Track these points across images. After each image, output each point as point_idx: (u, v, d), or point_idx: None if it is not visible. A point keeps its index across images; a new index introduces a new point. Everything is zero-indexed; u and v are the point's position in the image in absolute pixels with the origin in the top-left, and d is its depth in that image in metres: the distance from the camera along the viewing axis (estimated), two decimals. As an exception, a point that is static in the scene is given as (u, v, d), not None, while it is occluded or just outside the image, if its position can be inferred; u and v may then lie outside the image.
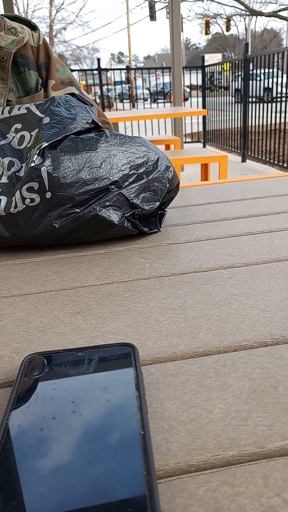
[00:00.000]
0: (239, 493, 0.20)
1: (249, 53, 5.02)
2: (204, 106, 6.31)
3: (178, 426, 0.24)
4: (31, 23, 0.93)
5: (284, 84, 4.14)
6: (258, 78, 4.79)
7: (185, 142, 6.53)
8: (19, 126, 0.53)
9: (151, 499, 0.18)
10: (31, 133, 0.51)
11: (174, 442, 0.23)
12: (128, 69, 9.69)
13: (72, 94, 0.55)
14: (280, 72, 4.09)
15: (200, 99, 6.52)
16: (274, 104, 4.46)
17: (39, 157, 0.48)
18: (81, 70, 6.97)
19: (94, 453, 0.20)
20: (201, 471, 0.21)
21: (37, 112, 0.52)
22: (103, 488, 0.18)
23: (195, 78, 7.03)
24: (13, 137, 0.52)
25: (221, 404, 0.25)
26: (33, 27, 0.93)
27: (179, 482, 0.21)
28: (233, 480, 0.21)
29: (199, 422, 0.24)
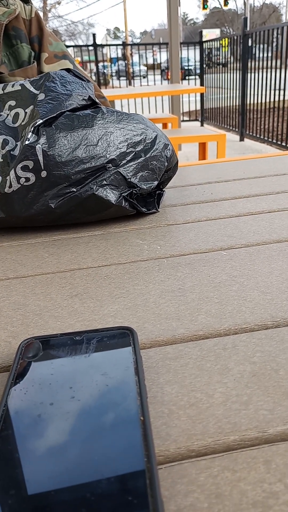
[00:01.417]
0: (241, 478, 0.20)
1: (248, 28, 4.89)
2: (202, 83, 6.20)
3: (178, 411, 0.23)
4: None
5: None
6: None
7: (183, 120, 6.43)
8: (13, 103, 0.51)
9: (151, 485, 0.18)
10: (26, 110, 0.49)
11: (174, 427, 0.22)
12: (124, 45, 9.44)
13: (68, 70, 0.53)
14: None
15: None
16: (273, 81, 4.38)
17: (33, 135, 0.46)
18: (76, 46, 6.80)
19: (93, 439, 0.20)
20: (202, 457, 0.21)
21: (32, 89, 0.50)
22: (103, 475, 0.18)
23: (192, 54, 6.87)
24: (7, 114, 0.50)
25: (222, 388, 0.25)
26: (26, 1, 0.91)
27: (180, 467, 0.20)
28: (234, 466, 0.20)
29: (199, 407, 0.24)
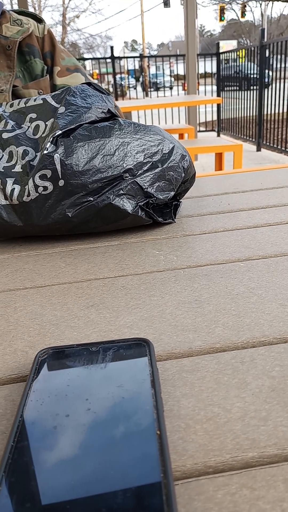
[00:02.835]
0: (260, 497, 0.19)
1: (265, 39, 4.90)
2: (218, 94, 6.22)
3: (195, 425, 0.23)
4: (37, 17, 0.98)
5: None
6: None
7: (199, 131, 6.44)
8: (34, 116, 0.52)
9: (168, 502, 0.17)
10: (46, 123, 0.50)
11: (191, 442, 0.22)
12: (141, 57, 9.57)
13: (89, 83, 0.54)
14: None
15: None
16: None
17: (52, 145, 0.47)
18: (94, 58, 6.91)
19: (108, 453, 0.20)
20: (220, 473, 0.20)
21: (53, 102, 0.51)
22: (118, 491, 0.18)
23: (209, 65, 6.90)
24: (28, 126, 0.51)
25: (240, 402, 0.24)
26: (39, 20, 0.98)
27: (197, 484, 0.20)
28: (253, 484, 0.20)
29: (216, 422, 0.23)
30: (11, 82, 0.89)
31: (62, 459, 0.19)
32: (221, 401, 0.25)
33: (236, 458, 0.21)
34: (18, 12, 0.96)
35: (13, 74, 0.89)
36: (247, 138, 5.56)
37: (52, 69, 0.97)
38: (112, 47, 6.26)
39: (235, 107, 5.85)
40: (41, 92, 0.93)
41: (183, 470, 0.21)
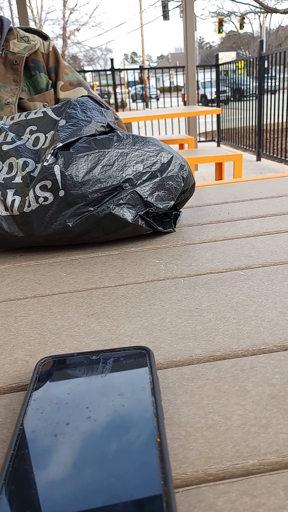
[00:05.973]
0: (260, 504, 0.19)
1: (264, 50, 4.95)
2: (218, 105, 6.27)
3: (195, 433, 0.23)
4: (42, 34, 1.02)
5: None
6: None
7: (199, 141, 6.49)
8: (34, 128, 0.53)
9: (168, 509, 0.17)
10: (46, 135, 0.51)
11: (191, 450, 0.22)
12: (141, 69, 9.71)
13: (89, 97, 0.55)
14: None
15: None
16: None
17: (52, 157, 0.47)
18: (94, 70, 6.99)
19: (109, 460, 0.20)
20: (220, 481, 0.20)
21: (53, 115, 0.52)
22: (119, 498, 0.18)
23: (209, 76, 6.96)
24: (28, 138, 0.52)
25: (240, 410, 0.25)
26: (45, 37, 1.01)
27: (197, 491, 0.20)
28: (254, 491, 0.20)
29: (217, 429, 0.23)
30: (17, 95, 0.93)
31: (63, 467, 0.19)
32: (221, 408, 0.25)
33: (237, 465, 0.21)
34: (25, 29, 1.00)
35: (19, 87, 0.93)
36: (247, 148, 5.59)
37: (56, 83, 1.01)
38: (112, 60, 6.33)
39: (235, 117, 5.89)
40: (46, 104, 0.97)
41: (183, 477, 0.21)
